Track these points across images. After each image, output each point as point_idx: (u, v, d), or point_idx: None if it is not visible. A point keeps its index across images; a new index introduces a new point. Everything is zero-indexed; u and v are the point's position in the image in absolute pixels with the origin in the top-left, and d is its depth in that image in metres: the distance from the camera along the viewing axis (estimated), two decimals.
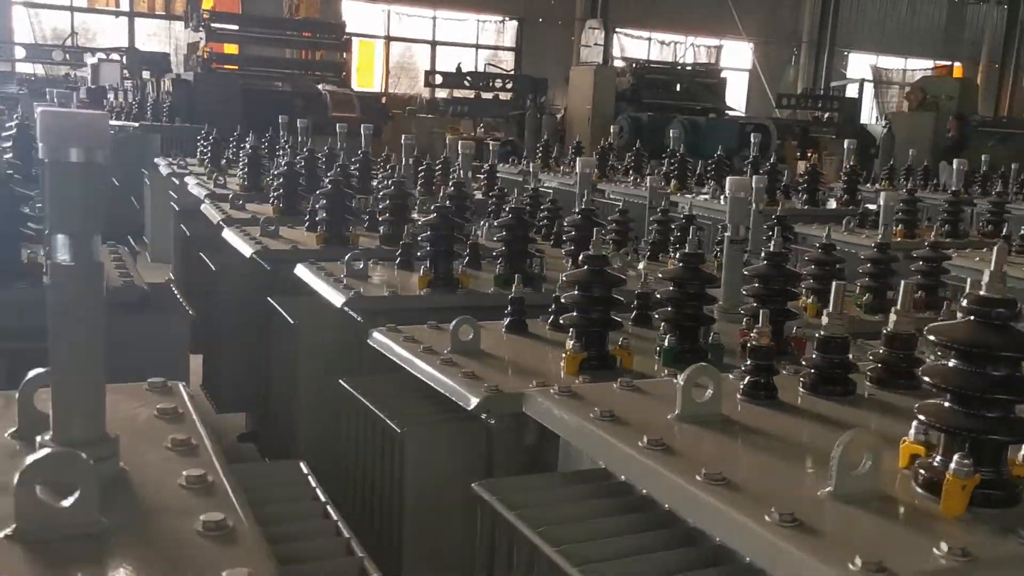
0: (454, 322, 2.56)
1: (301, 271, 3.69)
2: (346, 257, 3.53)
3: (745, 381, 1.77)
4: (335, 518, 1.48)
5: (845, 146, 7.22)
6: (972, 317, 1.30)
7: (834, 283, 1.84)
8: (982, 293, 1.29)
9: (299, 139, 6.76)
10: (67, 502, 1.08)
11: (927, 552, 1.17)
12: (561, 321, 2.51)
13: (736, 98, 22.49)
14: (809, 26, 25.70)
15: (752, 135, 7.66)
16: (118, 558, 1.07)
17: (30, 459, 1.07)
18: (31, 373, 1.40)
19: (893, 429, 1.57)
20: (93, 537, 1.09)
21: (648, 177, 6.05)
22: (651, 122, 17.17)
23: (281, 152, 6.36)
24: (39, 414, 1.40)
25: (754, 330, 1.80)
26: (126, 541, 1.10)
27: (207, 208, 5.25)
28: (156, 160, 8.42)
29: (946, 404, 1.35)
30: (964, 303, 1.31)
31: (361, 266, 3.54)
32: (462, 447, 2.31)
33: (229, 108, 11.72)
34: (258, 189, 5.96)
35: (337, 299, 3.22)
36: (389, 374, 2.88)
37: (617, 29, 22.96)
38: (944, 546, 1.15)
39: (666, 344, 2.48)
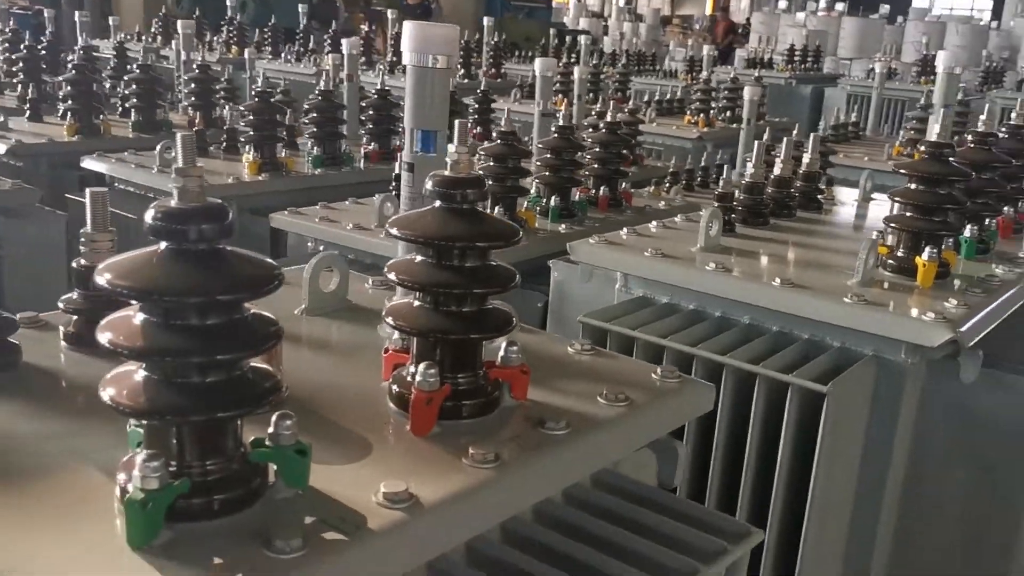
0: (379, 198, 2.81)
1: (101, 165, 3.52)
2: (158, 147, 3.47)
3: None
4: None
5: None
6: (928, 156, 2.04)
7: (757, 143, 2.49)
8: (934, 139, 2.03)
9: None
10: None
11: (941, 305, 1.89)
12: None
13: None
14: None
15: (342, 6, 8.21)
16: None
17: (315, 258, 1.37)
18: (319, 256, 1.55)
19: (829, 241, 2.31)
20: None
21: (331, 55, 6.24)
22: None
23: None
24: (324, 294, 1.57)
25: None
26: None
27: None
28: None
29: (907, 214, 2.09)
30: (922, 148, 2.04)
31: (173, 155, 3.49)
32: None
33: None
34: None
35: None
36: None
37: None
38: (953, 300, 1.89)
39: (551, 204, 3.00)
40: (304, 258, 1.78)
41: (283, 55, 8.07)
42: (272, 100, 3.54)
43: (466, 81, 7.05)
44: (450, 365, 1.18)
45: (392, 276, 1.17)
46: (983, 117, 2.41)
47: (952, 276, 2.09)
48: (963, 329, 1.80)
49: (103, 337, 0.90)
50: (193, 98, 4.48)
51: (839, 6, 14.95)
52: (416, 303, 1.19)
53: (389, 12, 8.48)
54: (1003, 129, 2.63)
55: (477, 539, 1.13)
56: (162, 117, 4.31)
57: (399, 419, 1.18)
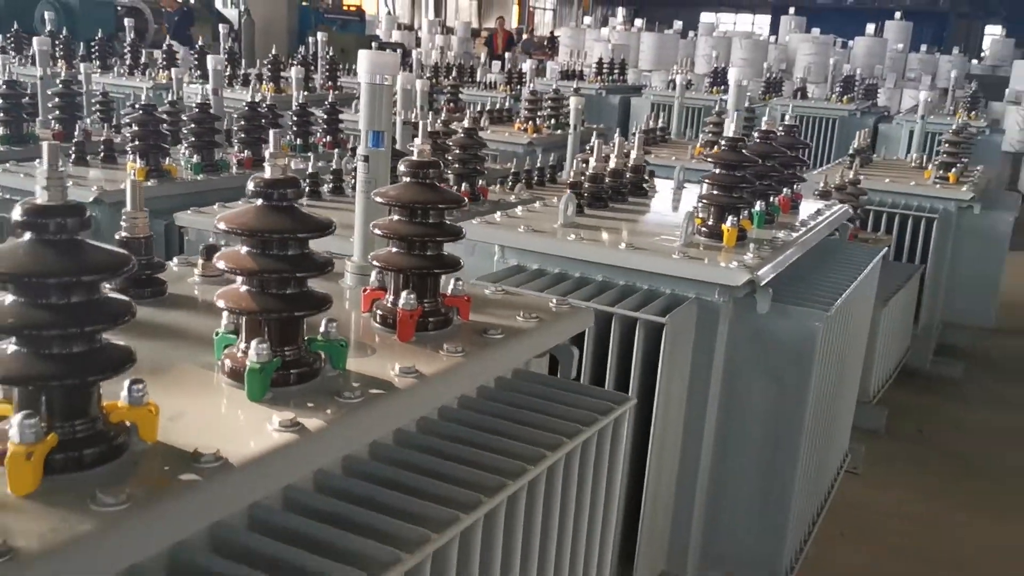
0: None
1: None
2: None
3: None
4: None
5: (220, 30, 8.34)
6: (727, 148, 2.70)
7: (597, 142, 3.09)
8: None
9: None
10: None
11: (742, 257, 2.54)
12: None
13: None
14: None
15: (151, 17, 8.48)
16: None
17: None
18: None
19: (656, 217, 2.95)
20: None
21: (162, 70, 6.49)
22: (10, 2, 15.92)
23: None
24: None
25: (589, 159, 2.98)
26: None
27: None
28: None
29: (715, 192, 2.74)
30: (723, 142, 2.70)
31: (63, 167, 3.76)
32: None
33: None
34: None
35: (86, 196, 3.49)
36: None
37: None
38: (750, 254, 2.55)
39: None
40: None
41: (115, 68, 8.14)
42: (154, 113, 3.86)
43: (306, 93, 7.39)
44: (419, 293, 1.68)
45: (377, 231, 1.66)
46: (765, 118, 3.12)
47: (748, 239, 2.76)
48: (759, 273, 2.46)
49: (221, 264, 1.35)
50: (58, 112, 4.70)
51: (638, 22, 16.18)
52: (394, 250, 1.68)
53: (222, 27, 8.67)
54: (781, 128, 3.36)
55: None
56: (28, 131, 4.49)
57: (384, 334, 1.67)
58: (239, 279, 1.38)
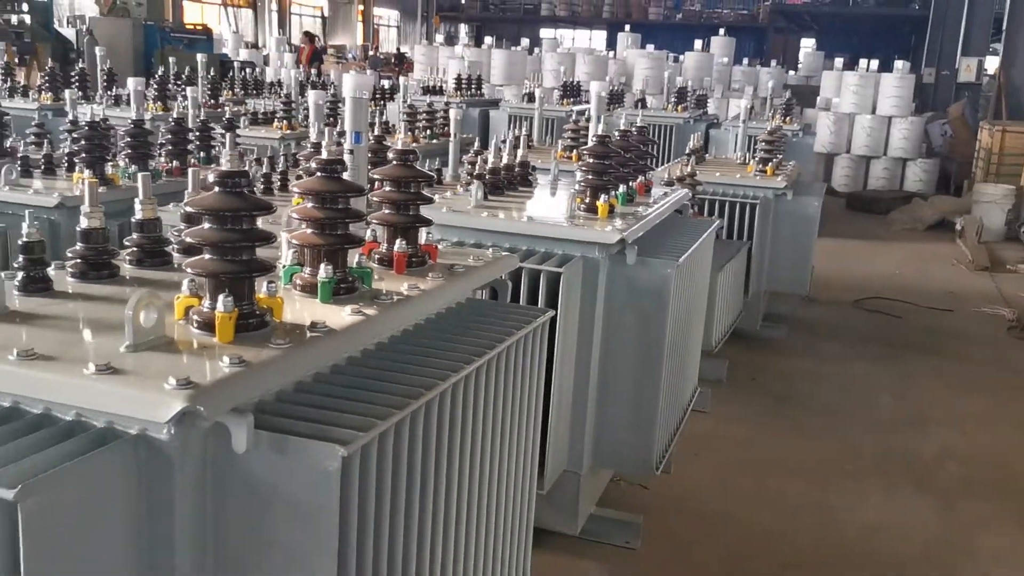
0: None
1: None
2: (2, 170, 4.21)
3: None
4: None
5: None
6: (597, 143, 3.54)
7: (493, 141, 3.88)
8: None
9: None
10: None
11: (615, 225, 3.39)
12: None
13: None
14: None
15: None
16: None
17: None
18: None
19: (541, 199, 3.79)
20: None
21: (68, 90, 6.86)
22: None
23: None
24: None
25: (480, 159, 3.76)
26: None
27: None
28: None
29: (590, 176, 3.58)
30: (594, 138, 3.54)
31: (14, 176, 4.26)
32: None
33: None
34: None
35: (50, 201, 4.01)
36: None
37: None
38: (619, 222, 3.40)
39: None
40: None
41: None
42: (99, 128, 4.41)
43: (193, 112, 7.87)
44: (407, 241, 2.42)
45: (375, 198, 2.40)
46: (622, 121, 4.00)
47: (616, 213, 3.61)
48: (626, 234, 3.32)
49: (294, 215, 2.07)
50: None
51: (488, 39, 17.16)
52: (387, 211, 2.42)
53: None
54: (634, 130, 4.26)
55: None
56: None
57: (382, 270, 2.40)
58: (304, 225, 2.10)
